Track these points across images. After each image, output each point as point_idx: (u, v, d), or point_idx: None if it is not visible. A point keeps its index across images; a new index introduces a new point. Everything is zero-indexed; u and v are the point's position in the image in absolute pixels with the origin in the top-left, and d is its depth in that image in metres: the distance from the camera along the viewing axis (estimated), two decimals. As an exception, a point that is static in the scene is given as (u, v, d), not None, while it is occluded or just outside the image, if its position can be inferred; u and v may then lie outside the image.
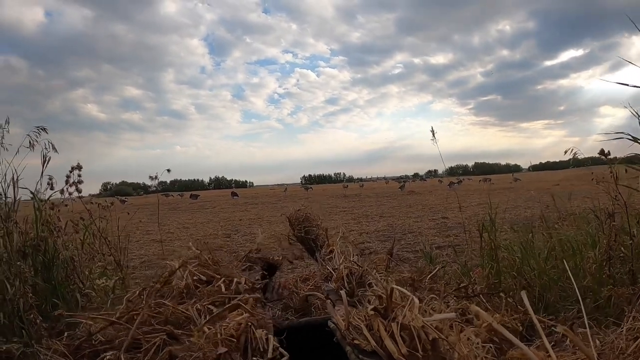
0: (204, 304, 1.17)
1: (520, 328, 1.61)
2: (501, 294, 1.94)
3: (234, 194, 30.35)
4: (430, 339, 0.82)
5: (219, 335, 0.92)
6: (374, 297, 1.01)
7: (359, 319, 0.94)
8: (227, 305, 1.08)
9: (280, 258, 2.12)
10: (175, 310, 1.17)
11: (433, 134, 2.85)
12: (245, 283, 1.31)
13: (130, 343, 1.12)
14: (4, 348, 1.42)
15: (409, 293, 0.87)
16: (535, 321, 0.84)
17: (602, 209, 2.43)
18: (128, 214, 3.75)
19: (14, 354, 1.41)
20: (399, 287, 0.93)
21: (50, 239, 2.07)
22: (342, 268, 1.76)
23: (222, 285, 1.27)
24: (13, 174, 2.02)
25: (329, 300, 1.32)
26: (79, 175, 2.38)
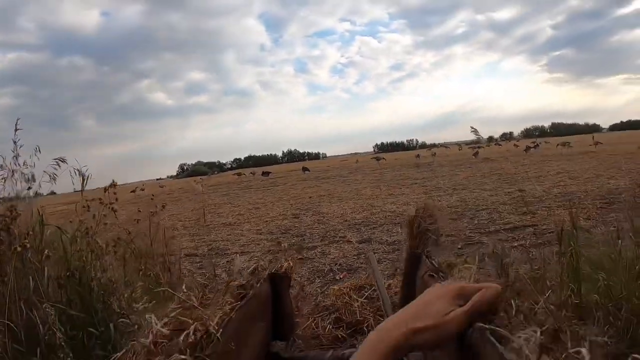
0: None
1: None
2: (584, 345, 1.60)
3: (305, 169, 30.55)
4: None
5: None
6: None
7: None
8: None
9: (290, 264, 1.76)
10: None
11: (476, 132, 2.57)
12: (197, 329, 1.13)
13: None
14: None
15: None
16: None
17: None
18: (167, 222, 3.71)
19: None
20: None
21: (86, 265, 2.04)
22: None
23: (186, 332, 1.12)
24: (39, 210, 1.99)
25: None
26: (115, 193, 2.33)
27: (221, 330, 1.20)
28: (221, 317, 1.27)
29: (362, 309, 2.73)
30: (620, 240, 2.18)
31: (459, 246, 5.55)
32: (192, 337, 1.13)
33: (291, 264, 1.75)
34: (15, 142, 2.01)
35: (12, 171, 2.04)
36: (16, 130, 2.05)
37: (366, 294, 2.96)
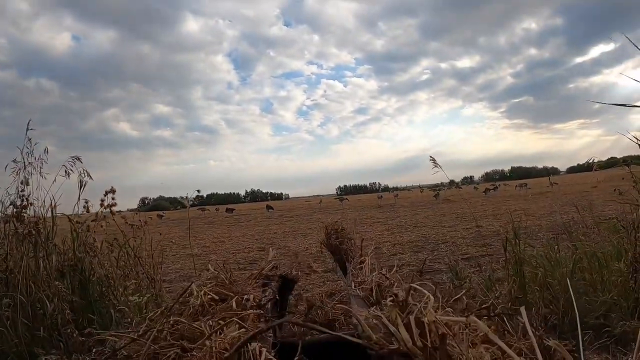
0: (216, 319, 1.26)
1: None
2: (518, 318, 1.93)
3: (269, 207, 30.59)
4: (439, 333, 0.86)
5: (213, 349, 1.00)
6: (394, 296, 1.06)
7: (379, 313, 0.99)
8: (225, 322, 1.17)
9: (298, 273, 2.18)
10: (189, 326, 1.26)
11: (434, 161, 2.90)
12: (252, 300, 1.39)
13: (148, 357, 1.22)
14: (44, 359, 1.55)
15: (425, 291, 0.93)
16: (530, 333, 0.87)
17: (628, 218, 2.38)
18: (160, 234, 3.90)
19: (52, 365, 1.54)
20: (417, 285, 0.98)
21: (86, 259, 2.22)
22: (371, 280, 1.80)
23: (233, 302, 1.36)
24: (51, 200, 2.19)
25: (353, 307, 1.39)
26: (113, 198, 2.54)
27: (265, 298, 1.50)
28: (259, 294, 1.57)
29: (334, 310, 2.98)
30: (557, 246, 2.57)
31: (419, 274, 5.90)
32: (242, 302, 1.40)
33: (299, 274, 2.19)
34: (30, 140, 2.24)
35: (24, 165, 2.24)
36: (27, 130, 2.28)
37: (337, 298, 3.21)
